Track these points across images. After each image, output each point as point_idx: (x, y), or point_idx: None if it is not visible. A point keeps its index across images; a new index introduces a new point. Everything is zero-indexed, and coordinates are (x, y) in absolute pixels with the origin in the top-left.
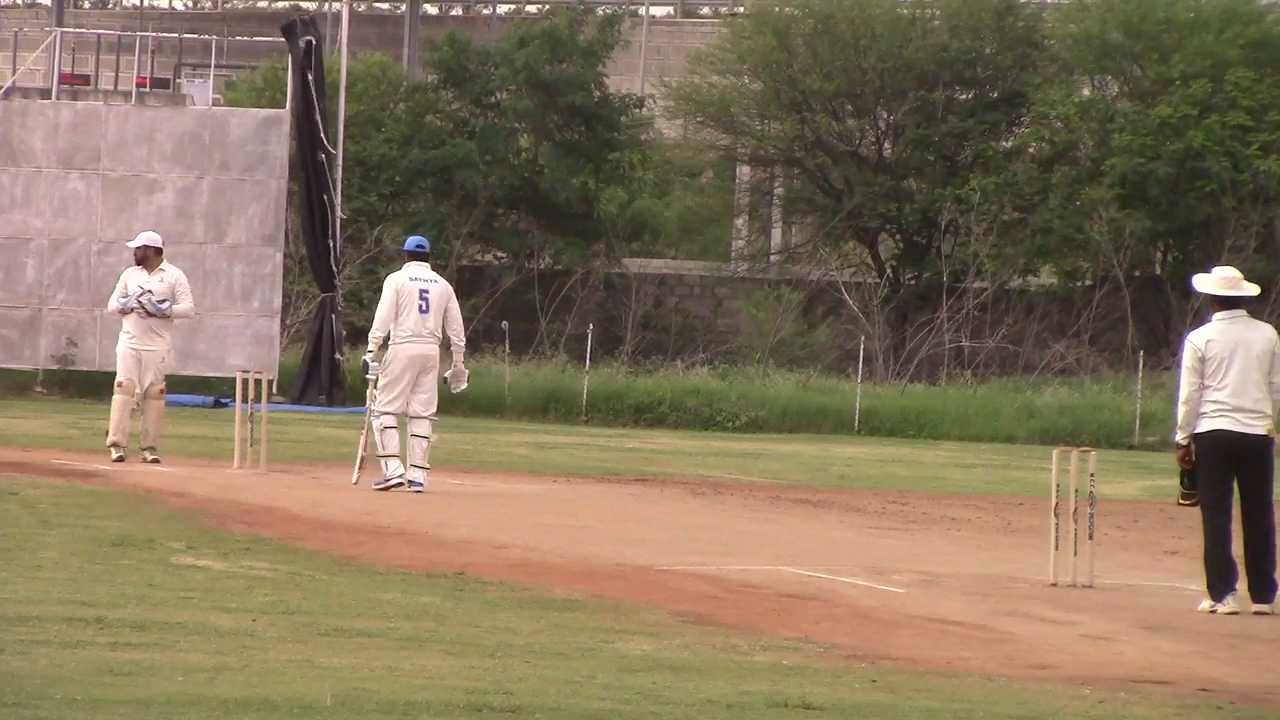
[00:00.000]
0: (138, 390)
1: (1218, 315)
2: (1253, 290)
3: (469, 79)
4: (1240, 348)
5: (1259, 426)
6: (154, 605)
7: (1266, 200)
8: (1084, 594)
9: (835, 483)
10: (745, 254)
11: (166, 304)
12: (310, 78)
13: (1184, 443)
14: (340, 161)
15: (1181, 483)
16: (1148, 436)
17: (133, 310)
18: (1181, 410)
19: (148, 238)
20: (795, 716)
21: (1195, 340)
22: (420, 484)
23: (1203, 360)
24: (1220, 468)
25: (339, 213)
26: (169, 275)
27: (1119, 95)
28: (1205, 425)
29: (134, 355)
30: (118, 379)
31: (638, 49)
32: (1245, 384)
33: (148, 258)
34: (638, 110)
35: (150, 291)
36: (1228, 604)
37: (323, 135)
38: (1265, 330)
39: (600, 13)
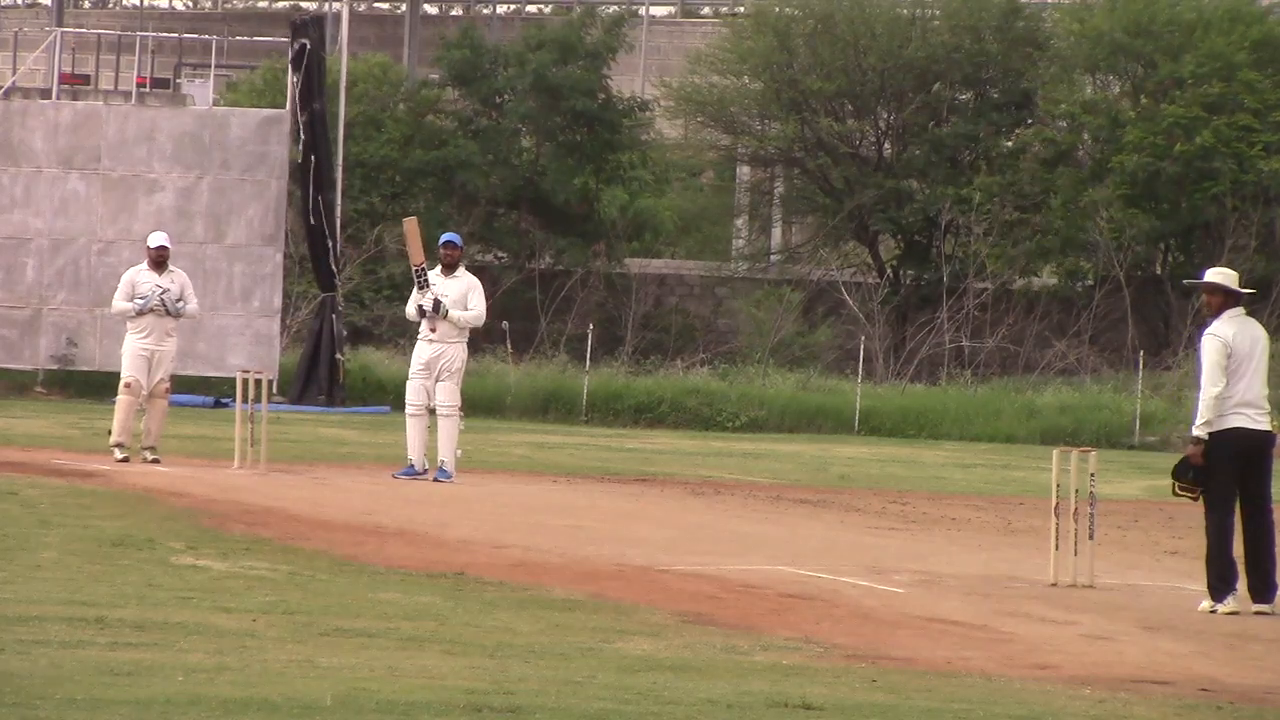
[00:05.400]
0: (144, 391)
1: (1229, 312)
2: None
3: (478, 78)
4: (1251, 344)
5: (1264, 423)
6: (154, 605)
7: (1268, 200)
8: (1084, 594)
9: (835, 483)
10: (745, 254)
11: (184, 304)
12: (306, 79)
13: (1204, 437)
14: (340, 162)
15: (1184, 476)
16: (1148, 436)
17: (153, 310)
18: (1210, 405)
19: (166, 238)
20: (795, 716)
21: (1222, 334)
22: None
23: (1230, 355)
24: (1232, 465)
25: (338, 212)
26: (178, 276)
27: (1120, 95)
28: (1223, 424)
29: (145, 355)
30: (124, 379)
31: (638, 49)
32: (1254, 381)
33: (164, 258)
34: (643, 113)
35: (168, 290)
36: (1228, 604)
37: (317, 136)
38: (1262, 329)
39: (603, 12)
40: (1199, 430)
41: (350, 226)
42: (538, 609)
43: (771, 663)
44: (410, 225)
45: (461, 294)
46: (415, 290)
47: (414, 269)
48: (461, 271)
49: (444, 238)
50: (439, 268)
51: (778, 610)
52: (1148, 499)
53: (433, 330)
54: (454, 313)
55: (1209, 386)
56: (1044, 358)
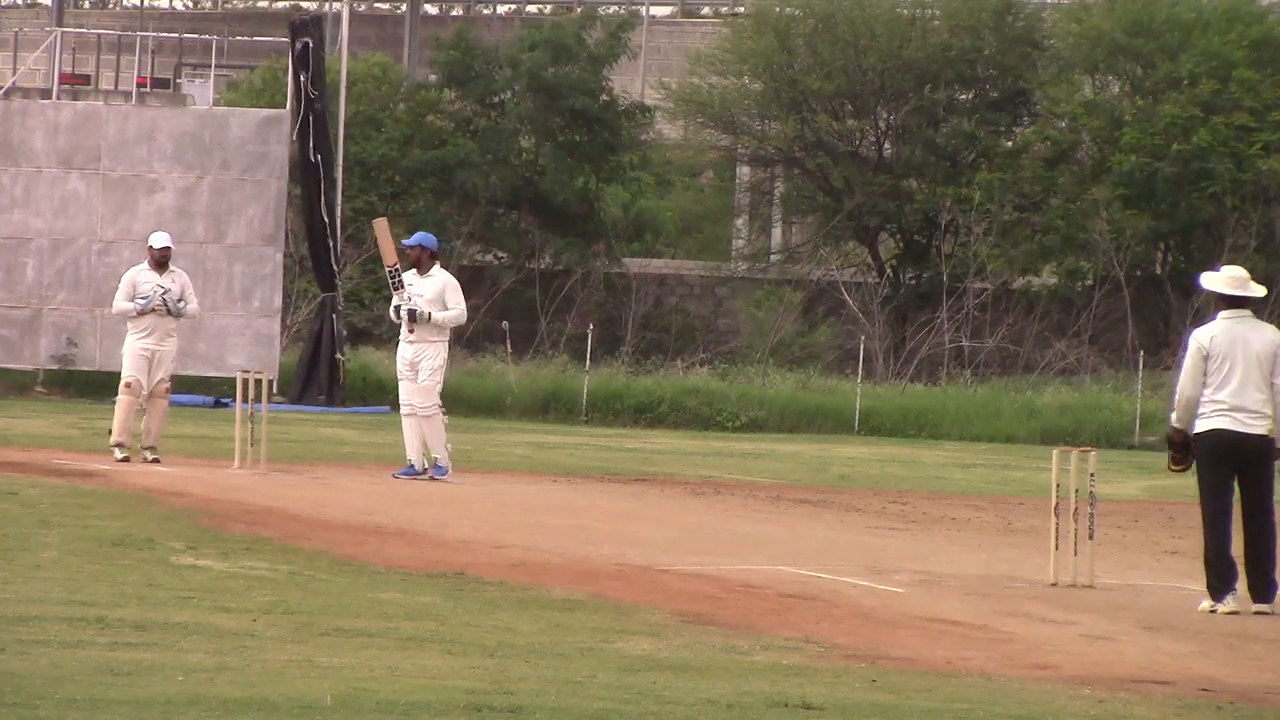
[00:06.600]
0: (144, 391)
1: (1223, 314)
2: (1259, 291)
3: (473, 79)
4: (1241, 346)
5: (1259, 427)
6: (154, 605)
7: (1267, 200)
8: (1084, 594)
9: (835, 483)
10: (745, 254)
11: (184, 304)
12: (306, 79)
13: (1179, 427)
14: (340, 161)
15: (1171, 450)
16: (1148, 436)
17: (154, 310)
18: (1179, 402)
19: (169, 238)
20: (795, 716)
21: (1200, 337)
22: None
23: (1206, 358)
24: (1221, 467)
25: (338, 212)
26: (179, 276)
27: (1120, 95)
28: (1204, 425)
29: (146, 355)
30: (125, 379)
31: (638, 49)
32: (1246, 384)
33: (167, 259)
34: (645, 117)
35: (169, 290)
36: (1228, 604)
37: (317, 136)
38: (1269, 331)
39: (605, 11)
40: (1174, 422)
41: (350, 226)
42: (538, 609)
43: (771, 663)
44: (380, 227)
45: (437, 293)
46: (393, 293)
47: (387, 271)
48: (436, 270)
49: (412, 238)
50: (413, 269)
51: (778, 610)
52: (1148, 499)
53: (411, 331)
54: (436, 315)
55: (1180, 387)
56: (1044, 358)
